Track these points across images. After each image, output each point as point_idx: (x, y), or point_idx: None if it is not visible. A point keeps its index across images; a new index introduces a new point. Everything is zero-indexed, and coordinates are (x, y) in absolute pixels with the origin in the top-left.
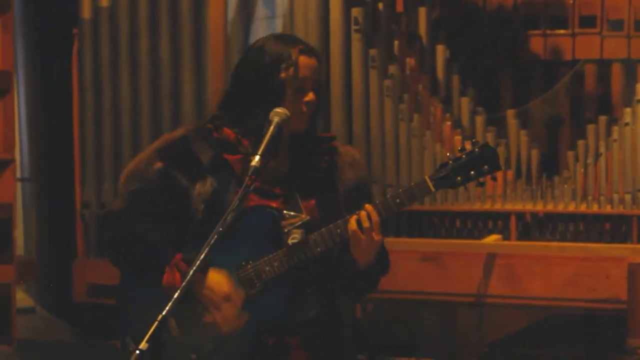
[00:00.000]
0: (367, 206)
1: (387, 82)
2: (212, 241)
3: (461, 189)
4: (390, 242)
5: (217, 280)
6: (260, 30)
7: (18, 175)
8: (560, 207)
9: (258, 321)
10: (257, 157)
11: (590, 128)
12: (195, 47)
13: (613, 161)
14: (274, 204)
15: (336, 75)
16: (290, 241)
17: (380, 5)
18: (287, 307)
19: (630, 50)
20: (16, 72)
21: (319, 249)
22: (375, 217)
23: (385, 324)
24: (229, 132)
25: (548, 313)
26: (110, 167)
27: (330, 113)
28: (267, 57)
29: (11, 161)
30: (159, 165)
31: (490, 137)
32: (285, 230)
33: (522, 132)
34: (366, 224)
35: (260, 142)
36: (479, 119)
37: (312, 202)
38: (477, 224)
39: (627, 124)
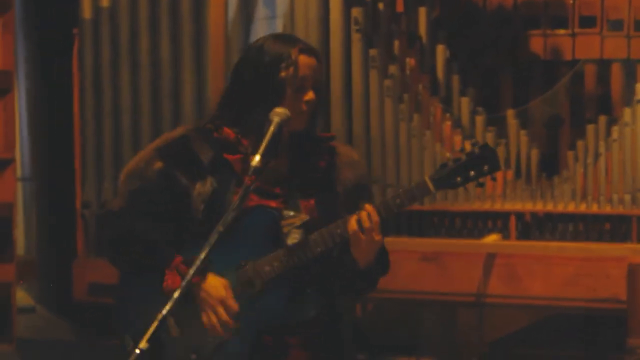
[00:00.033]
0: (368, 206)
1: (387, 82)
2: (213, 241)
3: (461, 188)
4: (390, 241)
5: (215, 284)
6: (260, 31)
7: (18, 174)
8: (560, 207)
9: (258, 321)
10: (257, 157)
11: (590, 128)
12: (195, 47)
13: (613, 161)
14: (273, 204)
15: (336, 75)
16: (289, 241)
17: (381, 5)
18: (287, 307)
19: (630, 51)
20: (17, 71)
21: (319, 249)
22: (375, 217)
23: (385, 324)
24: (228, 132)
25: (548, 313)
26: (111, 167)
27: (330, 113)
28: (266, 56)
29: (11, 161)
30: (159, 164)
31: (490, 137)
32: (285, 230)
33: (522, 132)
34: (367, 224)
35: (261, 141)
36: (479, 119)
37: (312, 202)
38: (477, 223)
39: (626, 124)
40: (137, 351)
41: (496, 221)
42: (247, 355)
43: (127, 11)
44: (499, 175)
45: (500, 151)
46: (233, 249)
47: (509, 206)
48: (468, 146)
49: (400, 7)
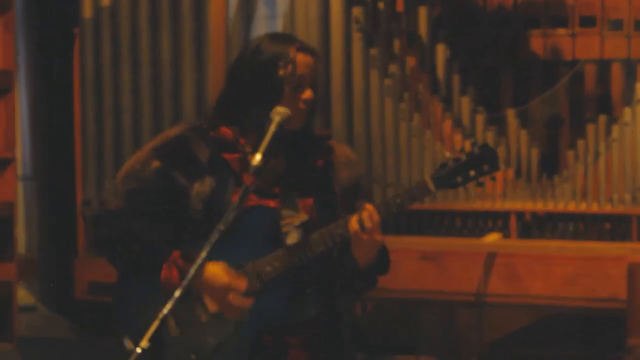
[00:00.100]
0: (369, 206)
1: (387, 81)
2: (214, 240)
3: (461, 188)
4: (390, 241)
5: (215, 272)
6: (261, 30)
7: (19, 173)
8: (560, 207)
9: (258, 321)
10: (258, 156)
11: (590, 128)
12: (196, 46)
13: (613, 161)
14: (272, 204)
15: (337, 75)
16: (289, 241)
17: (381, 5)
18: (287, 307)
19: (630, 50)
20: (17, 71)
21: (319, 249)
22: (376, 217)
23: (384, 323)
24: (226, 131)
25: (548, 312)
26: (112, 166)
27: (330, 112)
28: (264, 55)
29: (12, 160)
30: (156, 164)
31: (490, 137)
32: (284, 230)
33: (522, 131)
34: (368, 224)
35: (261, 141)
36: (479, 119)
37: (310, 201)
38: (477, 223)
39: (627, 124)
40: (139, 350)
41: (496, 220)
42: (247, 355)
43: (127, 10)
44: (499, 174)
45: (501, 151)
46: (233, 249)
47: (509, 205)
48: (468, 146)
49: (400, 7)
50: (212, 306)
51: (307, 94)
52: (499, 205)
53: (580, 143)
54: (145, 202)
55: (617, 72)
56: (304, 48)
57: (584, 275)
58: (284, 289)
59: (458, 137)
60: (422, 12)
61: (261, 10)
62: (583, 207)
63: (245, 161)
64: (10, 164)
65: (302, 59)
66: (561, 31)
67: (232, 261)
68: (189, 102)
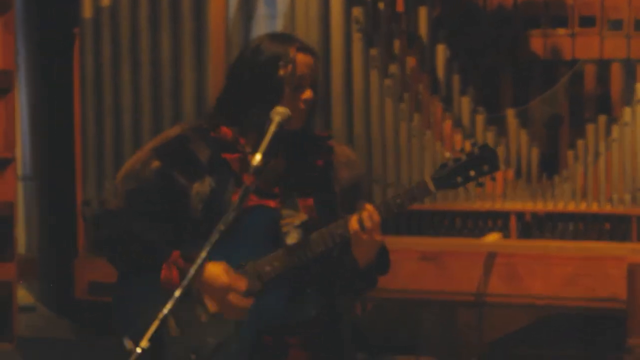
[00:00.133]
0: (369, 206)
1: (387, 82)
2: (214, 240)
3: (461, 188)
4: (390, 241)
5: (215, 273)
6: (261, 30)
7: (19, 173)
8: (560, 207)
9: (258, 321)
10: (258, 156)
11: (590, 128)
12: (196, 45)
13: (613, 161)
14: (272, 204)
15: (337, 75)
16: (289, 241)
17: (381, 5)
18: (287, 307)
19: (630, 50)
20: (17, 71)
21: (319, 249)
22: (376, 217)
23: (384, 324)
24: (226, 131)
25: (548, 312)
26: (112, 166)
27: (330, 112)
28: (264, 55)
29: (12, 160)
30: (156, 164)
31: (490, 137)
32: (284, 230)
33: (522, 131)
34: (368, 224)
35: (260, 141)
36: (479, 119)
37: (310, 201)
38: (477, 223)
39: (626, 124)
40: (139, 350)
41: (496, 220)
42: (247, 355)
43: (127, 10)
44: (499, 174)
45: (501, 151)
46: (233, 249)
47: (509, 206)
48: (468, 146)
49: (400, 7)
50: (212, 306)
51: (307, 94)
52: (499, 206)
53: (580, 143)
54: (145, 202)
55: (616, 72)
56: (303, 48)
57: (584, 275)
58: (284, 289)
59: (458, 137)
60: (422, 13)
61: (261, 10)
62: (583, 207)
63: (245, 161)
64: (10, 164)
65: (302, 59)
66: (561, 31)
67: (232, 261)
68: (189, 102)
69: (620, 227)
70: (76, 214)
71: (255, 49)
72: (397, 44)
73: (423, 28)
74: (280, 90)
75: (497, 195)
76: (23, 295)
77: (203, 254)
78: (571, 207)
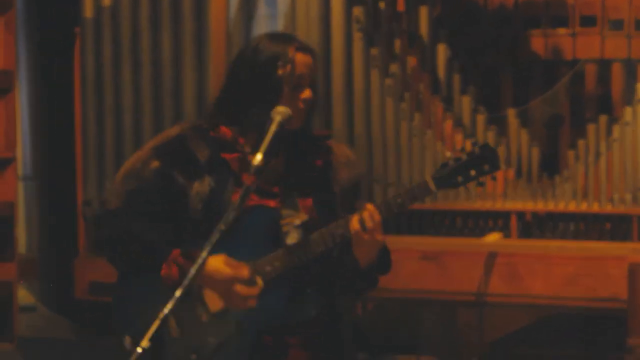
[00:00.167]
0: (370, 206)
1: (388, 81)
2: (214, 240)
3: (461, 188)
4: (391, 240)
5: (216, 266)
6: (261, 29)
7: (20, 173)
8: (561, 207)
9: (258, 321)
10: (259, 156)
11: (591, 127)
12: (197, 45)
13: (613, 160)
14: (272, 204)
15: (337, 74)
16: (289, 241)
17: (382, 4)
18: (287, 307)
19: (631, 50)
20: (18, 71)
21: (319, 249)
22: (377, 216)
23: (385, 323)
24: (225, 131)
25: (548, 312)
26: (112, 166)
27: (331, 112)
28: (263, 55)
29: (13, 159)
30: (156, 164)
31: (491, 136)
32: (284, 230)
33: (523, 131)
34: (369, 224)
35: (261, 140)
36: (480, 118)
37: (309, 201)
38: (478, 222)
39: (627, 124)
40: (139, 350)
41: (497, 220)
42: (247, 355)
43: (128, 10)
44: (499, 174)
45: (501, 150)
46: (233, 248)
47: (509, 205)
48: (469, 146)
49: (401, 6)
50: (213, 305)
51: (306, 93)
52: (499, 205)
53: (581, 143)
54: (145, 202)
55: (617, 72)
56: (302, 48)
57: (584, 275)
58: (284, 288)
59: (459, 137)
60: (423, 12)
61: (262, 9)
62: (584, 207)
63: (244, 161)
64: (11, 164)
65: (301, 58)
66: (562, 31)
67: None
68: (189, 101)
69: (621, 227)
70: (76, 214)
71: (255, 48)
72: (397, 43)
73: (424, 27)
74: (279, 90)
75: (498, 195)
76: (23, 295)
77: (204, 254)
78: (572, 207)
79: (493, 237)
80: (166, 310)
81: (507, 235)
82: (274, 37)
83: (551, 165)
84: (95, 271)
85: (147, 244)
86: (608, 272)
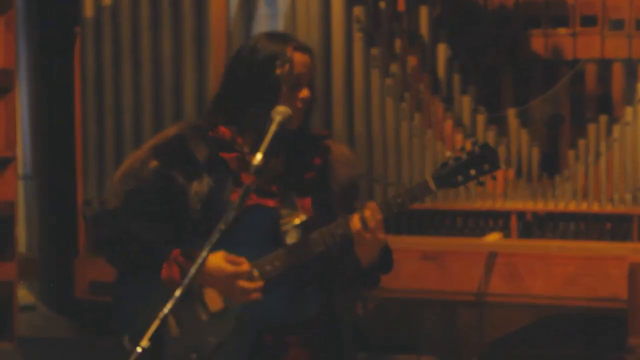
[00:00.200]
0: (371, 204)
1: (388, 81)
2: (214, 240)
3: (462, 188)
4: (391, 240)
5: (217, 264)
6: (261, 29)
7: (20, 173)
8: (561, 206)
9: (258, 321)
10: (259, 156)
11: (591, 127)
12: (197, 44)
13: (614, 160)
14: (271, 203)
15: (338, 74)
16: (288, 240)
17: (382, 4)
18: (287, 306)
19: (631, 50)
20: (18, 70)
21: (319, 249)
22: (379, 215)
23: (385, 323)
24: (224, 131)
25: (548, 312)
26: (112, 165)
27: (331, 112)
28: (261, 55)
29: (13, 159)
30: (154, 164)
31: (491, 136)
32: (284, 230)
33: (523, 131)
34: (371, 223)
35: (259, 140)
36: (480, 118)
37: (308, 200)
38: (478, 222)
39: (627, 124)
40: (139, 349)
41: (497, 220)
42: (247, 354)
43: (128, 9)
44: (500, 174)
45: (501, 150)
46: (232, 248)
47: (510, 205)
48: (468, 145)
49: (401, 6)
50: (213, 305)
51: (305, 92)
52: (499, 205)
53: (581, 143)
54: (144, 201)
55: (618, 72)
56: (300, 47)
57: (584, 275)
58: (284, 288)
59: (459, 137)
60: (423, 12)
61: (262, 9)
62: (584, 206)
63: (243, 160)
64: (11, 163)
65: (299, 58)
66: (562, 31)
67: None
68: (190, 101)
69: (621, 226)
70: (77, 214)
71: (252, 48)
72: (398, 43)
73: (424, 27)
74: (277, 90)
75: (498, 194)
76: (23, 295)
77: (204, 254)
78: (572, 206)
79: (493, 237)
80: (166, 310)
81: (507, 235)
82: (271, 36)
83: (551, 165)
84: (95, 271)
85: (146, 243)
86: (608, 272)
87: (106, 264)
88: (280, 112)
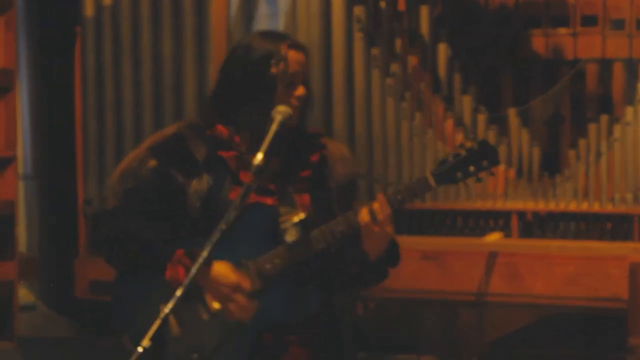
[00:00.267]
0: (381, 197)
1: (389, 81)
2: (215, 239)
3: (462, 187)
4: None
5: (222, 271)
6: (262, 27)
7: (20, 172)
8: (562, 206)
9: (259, 320)
10: (260, 155)
11: (592, 127)
12: (197, 43)
13: (614, 160)
14: (269, 201)
15: (338, 74)
16: (288, 238)
17: (382, 4)
18: (287, 305)
19: (632, 50)
20: (18, 70)
21: (319, 246)
22: (387, 208)
23: (386, 323)
24: (222, 129)
25: (549, 312)
26: (113, 165)
27: (332, 112)
28: (256, 54)
29: (13, 158)
30: (152, 163)
31: (491, 136)
32: (283, 228)
33: (524, 130)
34: (380, 216)
35: (255, 138)
36: (481, 118)
37: (306, 197)
38: (479, 222)
39: (628, 123)
40: (140, 349)
41: (498, 220)
42: (247, 354)
43: (129, 9)
44: (500, 173)
45: (502, 150)
46: (232, 246)
47: (510, 205)
48: (467, 142)
49: (402, 6)
50: (214, 304)
51: (300, 90)
52: (500, 205)
53: (582, 142)
54: (143, 200)
55: (618, 72)
56: (294, 45)
57: (585, 274)
58: (284, 286)
59: (459, 137)
60: (424, 11)
61: (263, 8)
62: (584, 206)
63: (241, 159)
64: (11, 163)
65: (293, 56)
66: (562, 30)
67: (232, 259)
68: (190, 100)
69: (622, 226)
70: (77, 213)
71: (247, 47)
72: (398, 43)
73: (424, 27)
74: (273, 88)
75: (499, 194)
76: (24, 295)
77: (205, 254)
78: (573, 206)
79: (494, 237)
80: (167, 310)
81: (507, 235)
82: (265, 35)
83: (552, 165)
84: (95, 270)
85: (145, 242)
86: (609, 272)
87: (106, 263)
88: (281, 111)
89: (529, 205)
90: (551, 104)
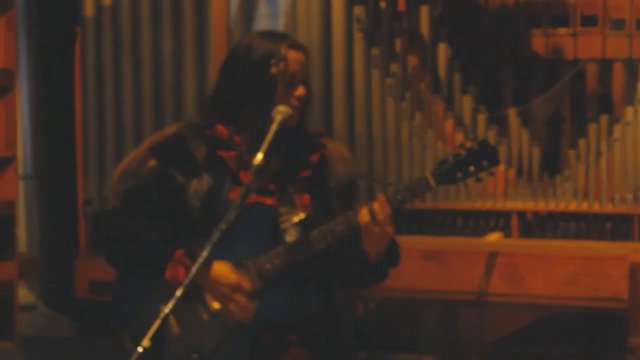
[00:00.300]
0: (381, 197)
1: (389, 81)
2: (215, 240)
3: (463, 187)
4: None
5: (222, 271)
6: (262, 27)
7: (20, 172)
8: (562, 206)
9: (259, 320)
10: (260, 156)
11: (592, 127)
12: (197, 43)
13: (614, 160)
14: (269, 201)
15: (338, 74)
16: (288, 238)
17: (382, 4)
18: (287, 305)
19: (632, 50)
20: (18, 70)
21: (320, 246)
22: (387, 208)
23: (386, 323)
24: (222, 129)
25: (549, 312)
26: (113, 165)
27: (332, 112)
28: (255, 54)
29: (13, 158)
30: (152, 163)
31: (491, 136)
32: (283, 227)
33: (524, 130)
34: (380, 216)
35: (255, 138)
36: (481, 118)
37: (306, 197)
38: (479, 222)
39: (628, 123)
40: (140, 349)
41: (498, 220)
42: (247, 353)
43: (129, 9)
44: (500, 173)
45: (502, 150)
46: (232, 247)
47: (510, 205)
48: (467, 142)
49: (402, 6)
50: (214, 304)
51: (300, 90)
52: (500, 205)
53: (582, 142)
54: (143, 200)
55: (618, 72)
56: (294, 45)
57: (585, 274)
58: (284, 286)
59: (460, 136)
60: (424, 11)
61: (263, 8)
62: (585, 206)
63: (241, 159)
64: (11, 163)
65: (293, 56)
66: (563, 30)
67: (232, 258)
68: (190, 100)
69: (622, 226)
70: (77, 213)
71: (247, 47)
72: (398, 43)
73: (424, 27)
74: (273, 88)
75: (499, 194)
76: (24, 294)
77: (205, 254)
78: (573, 206)
79: (494, 237)
80: (167, 310)
81: (508, 234)
82: (265, 35)
83: (552, 165)
84: (95, 270)
85: (145, 242)
86: (609, 271)
87: (106, 263)
88: (281, 111)
89: (529, 205)
90: (551, 103)
